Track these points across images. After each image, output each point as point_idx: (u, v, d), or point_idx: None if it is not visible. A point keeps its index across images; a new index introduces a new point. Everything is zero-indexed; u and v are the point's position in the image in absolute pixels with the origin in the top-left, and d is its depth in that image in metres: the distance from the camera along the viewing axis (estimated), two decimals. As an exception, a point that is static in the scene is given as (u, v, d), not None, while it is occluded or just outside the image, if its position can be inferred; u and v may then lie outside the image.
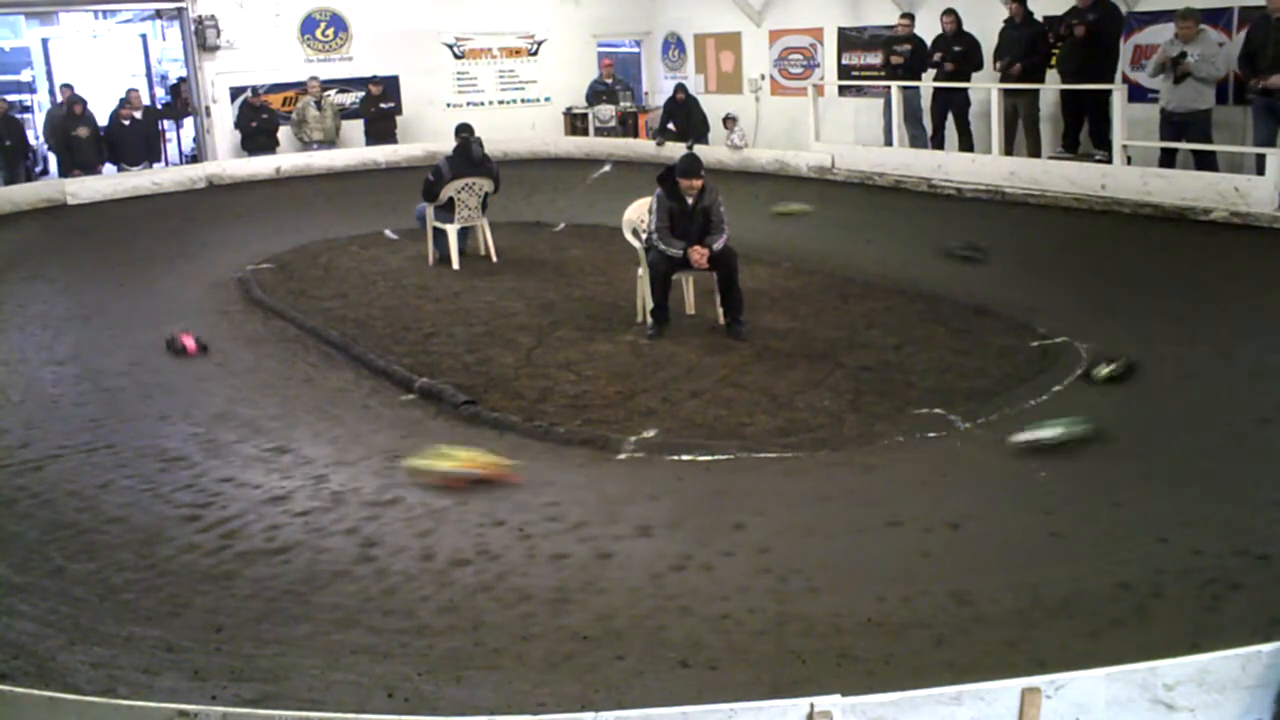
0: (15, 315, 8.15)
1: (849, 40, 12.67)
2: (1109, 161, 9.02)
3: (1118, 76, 9.49)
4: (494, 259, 9.52)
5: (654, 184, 7.07)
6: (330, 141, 13.34)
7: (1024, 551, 3.93)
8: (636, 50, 15.82)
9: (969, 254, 9.14)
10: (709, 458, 5.04)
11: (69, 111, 12.34)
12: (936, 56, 10.65)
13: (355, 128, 13.65)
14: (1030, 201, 9.33)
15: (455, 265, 9.27)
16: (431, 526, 4.31)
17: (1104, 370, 5.81)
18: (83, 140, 12.29)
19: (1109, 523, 4.14)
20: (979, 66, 10.43)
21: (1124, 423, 5.26)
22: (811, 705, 2.11)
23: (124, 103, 12.77)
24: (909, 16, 11.24)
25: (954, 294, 7.68)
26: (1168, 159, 8.85)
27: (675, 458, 5.08)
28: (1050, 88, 9.98)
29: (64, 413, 6.00)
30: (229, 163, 12.97)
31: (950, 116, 10.70)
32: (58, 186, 11.87)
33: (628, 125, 14.32)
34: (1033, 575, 3.68)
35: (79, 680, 3.16)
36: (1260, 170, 7.99)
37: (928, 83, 10.90)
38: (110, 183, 12.21)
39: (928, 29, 10.96)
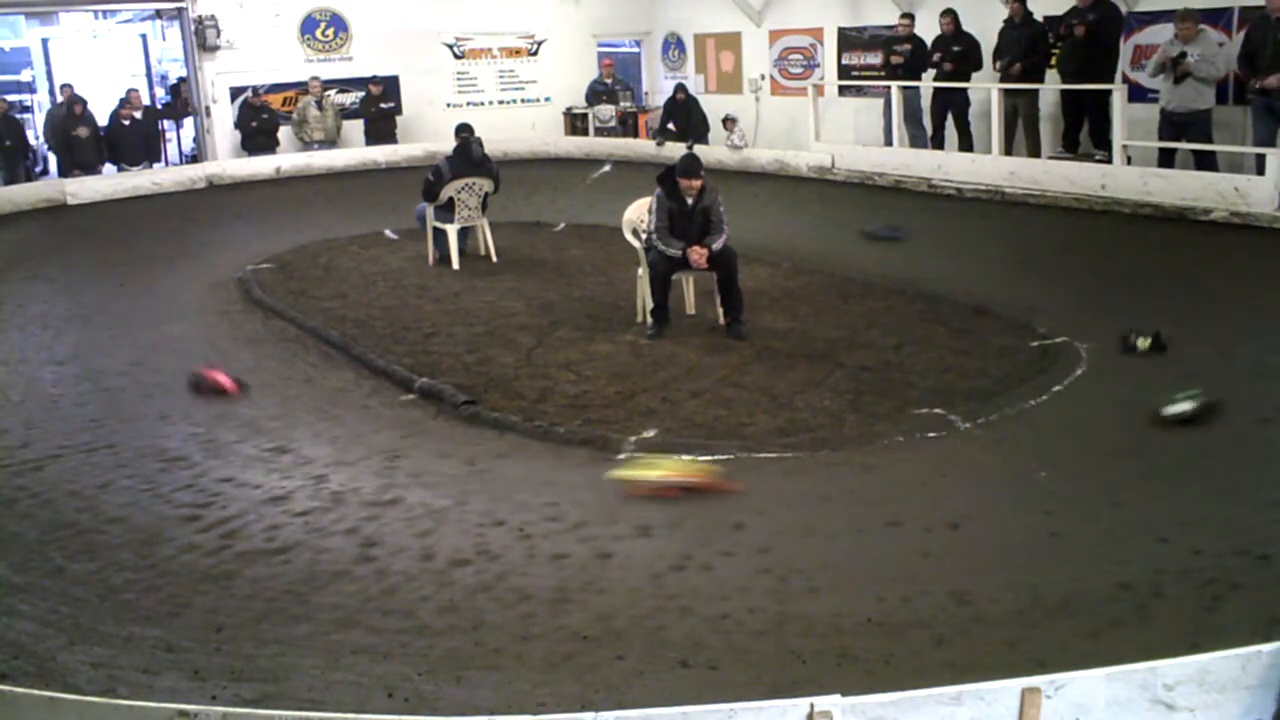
0: (15, 315, 8.15)
1: (849, 40, 12.67)
2: (1109, 161, 9.02)
3: (1118, 76, 9.49)
4: (494, 259, 9.52)
5: (654, 184, 7.07)
6: (331, 141, 13.34)
7: (1024, 551, 3.93)
8: (636, 50, 15.82)
9: (888, 234, 9.21)
10: (709, 458, 5.03)
11: (69, 111, 12.34)
12: (936, 57, 10.66)
13: (355, 128, 13.65)
14: (1030, 201, 9.33)
15: (455, 265, 9.27)
16: (431, 526, 4.31)
17: (1142, 342, 6.12)
18: (83, 140, 12.28)
19: (1109, 523, 4.14)
20: (978, 66, 10.43)
21: (1124, 422, 5.27)
22: (811, 705, 2.11)
23: (124, 103, 12.77)
24: (909, 16, 11.24)
25: (954, 294, 7.68)
26: (1168, 159, 8.85)
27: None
28: (1050, 88, 9.98)
29: (64, 413, 6.00)
30: (229, 163, 12.97)
31: (950, 116, 10.70)
32: (58, 186, 11.87)
33: (628, 125, 14.32)
34: (1033, 575, 3.68)
35: (79, 680, 3.16)
36: (1260, 170, 7.99)
37: (928, 83, 10.90)
38: (110, 183, 12.20)
39: (928, 29, 10.95)
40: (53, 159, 13.39)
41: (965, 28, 10.47)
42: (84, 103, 12.41)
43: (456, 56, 14.48)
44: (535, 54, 14.89)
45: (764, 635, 3.38)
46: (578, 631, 3.44)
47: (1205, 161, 8.62)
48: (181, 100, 14.07)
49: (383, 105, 13.55)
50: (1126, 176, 8.74)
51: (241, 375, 6.41)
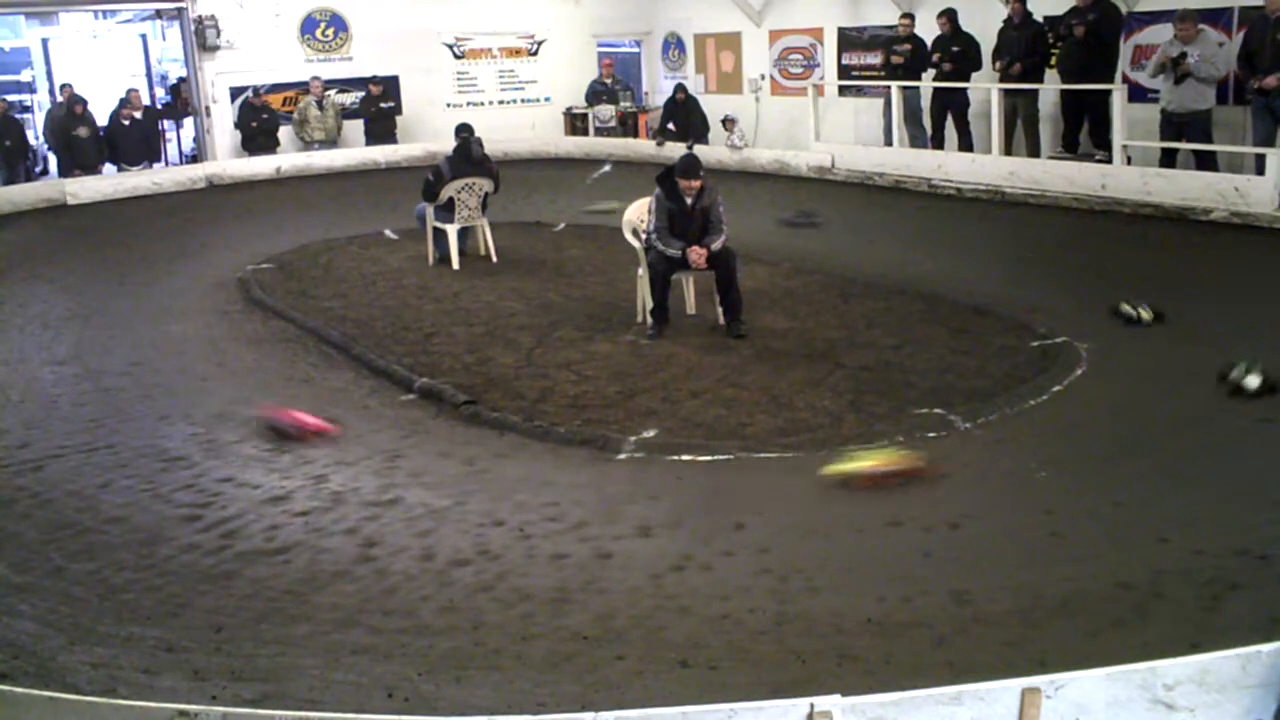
0: (15, 315, 8.15)
1: (849, 40, 12.67)
2: (1109, 161, 9.03)
3: (1118, 76, 9.49)
4: (494, 259, 9.51)
5: (654, 184, 7.07)
6: (331, 141, 13.35)
7: (1024, 551, 3.93)
8: (636, 50, 15.83)
9: (802, 220, 9.21)
10: (709, 458, 5.04)
11: (69, 111, 12.35)
12: (935, 58, 10.66)
13: (355, 128, 13.66)
14: (1030, 201, 9.33)
15: (455, 265, 9.27)
16: (431, 526, 4.31)
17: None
18: (83, 140, 12.29)
19: (1109, 523, 4.14)
20: (978, 66, 10.43)
21: (1124, 422, 5.27)
22: (811, 705, 2.11)
23: (124, 103, 12.78)
24: (909, 16, 11.25)
25: (954, 294, 7.68)
26: (1168, 159, 8.86)
27: (675, 458, 5.08)
28: (1050, 88, 9.98)
29: (64, 413, 5.99)
30: (229, 163, 12.97)
31: (950, 116, 10.70)
32: (58, 186, 11.88)
33: (628, 125, 14.33)
34: (1033, 575, 3.68)
35: (79, 680, 3.16)
36: (1260, 170, 8.00)
37: (927, 83, 10.90)
38: (110, 183, 12.21)
39: (928, 29, 10.96)
40: (53, 159, 13.40)
41: (965, 28, 10.48)
42: (84, 103, 12.43)
43: (456, 56, 14.49)
44: (535, 54, 14.89)
45: (764, 635, 3.38)
46: (577, 631, 3.44)
47: (1205, 161, 8.62)
48: (181, 100, 14.07)
49: (383, 105, 13.56)
50: (1126, 176, 8.74)
51: (241, 375, 6.39)
